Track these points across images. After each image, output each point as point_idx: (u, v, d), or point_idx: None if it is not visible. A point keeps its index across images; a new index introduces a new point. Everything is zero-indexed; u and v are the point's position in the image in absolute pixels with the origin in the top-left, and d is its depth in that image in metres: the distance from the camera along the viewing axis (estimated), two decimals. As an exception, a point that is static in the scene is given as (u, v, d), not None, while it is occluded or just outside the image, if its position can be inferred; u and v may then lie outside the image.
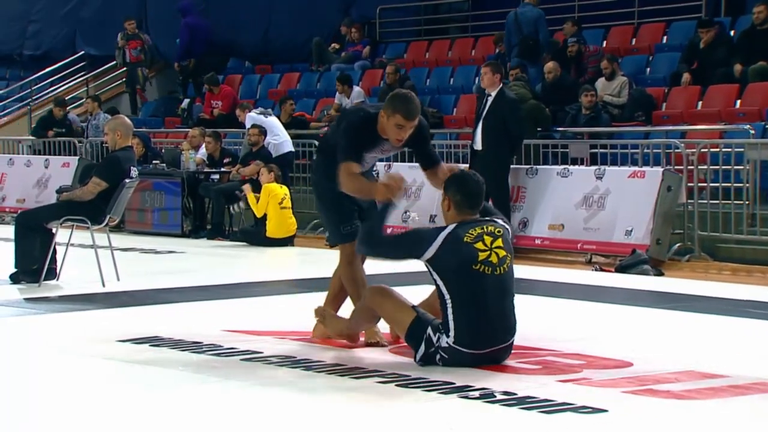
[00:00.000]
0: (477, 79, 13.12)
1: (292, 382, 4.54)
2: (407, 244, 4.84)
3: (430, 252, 4.64)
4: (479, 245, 4.63)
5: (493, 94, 9.53)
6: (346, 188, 5.01)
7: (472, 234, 4.66)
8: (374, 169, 5.52)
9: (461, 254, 4.62)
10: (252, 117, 11.69)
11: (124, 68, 17.13)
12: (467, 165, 9.46)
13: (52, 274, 7.55)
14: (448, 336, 4.62)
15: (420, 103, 5.16)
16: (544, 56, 12.56)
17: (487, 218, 4.79)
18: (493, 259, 4.63)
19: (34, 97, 17.47)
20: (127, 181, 7.53)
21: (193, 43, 16.33)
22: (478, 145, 9.55)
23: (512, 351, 4.79)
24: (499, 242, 4.67)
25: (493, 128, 9.45)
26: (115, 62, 17.30)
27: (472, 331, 4.61)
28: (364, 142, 5.10)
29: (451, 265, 4.63)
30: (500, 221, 4.82)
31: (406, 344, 4.87)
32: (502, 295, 4.67)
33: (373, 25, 16.22)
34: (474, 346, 4.61)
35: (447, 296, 4.64)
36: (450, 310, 4.63)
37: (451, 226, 4.70)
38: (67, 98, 16.77)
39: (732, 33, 12.03)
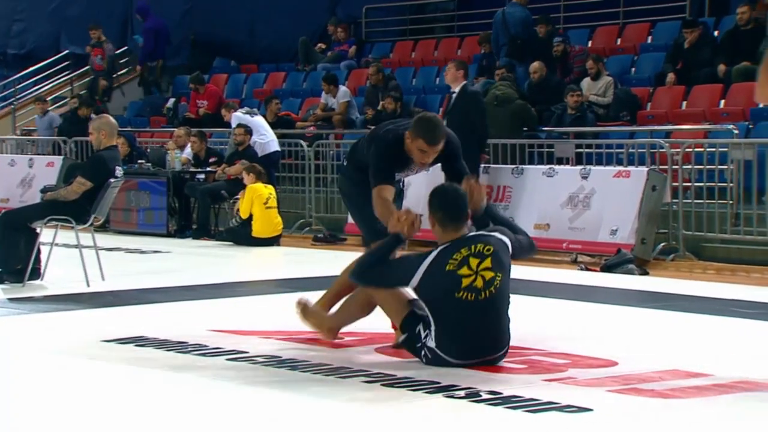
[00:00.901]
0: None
1: (278, 382, 4.53)
2: (395, 277, 4.71)
3: (415, 281, 4.59)
4: (463, 270, 4.53)
5: (457, 90, 9.57)
6: (378, 213, 4.96)
7: (457, 259, 4.55)
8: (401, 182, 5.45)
9: (443, 284, 4.54)
10: (238, 117, 11.67)
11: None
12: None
13: (37, 274, 7.52)
14: (433, 340, 4.62)
15: (442, 126, 5.03)
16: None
17: (478, 234, 4.68)
18: (478, 283, 4.53)
19: (17, 96, 17.38)
20: (112, 180, 7.51)
21: (158, 45, 16.30)
22: None
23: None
24: (487, 263, 4.55)
25: (458, 124, 9.47)
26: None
27: (456, 347, 4.60)
28: (395, 163, 5.06)
29: (434, 293, 4.57)
30: (495, 235, 4.67)
31: (393, 347, 4.85)
32: (490, 316, 4.59)
33: (359, 25, 16.22)
34: (457, 357, 4.61)
35: (430, 318, 4.61)
36: (433, 327, 4.61)
37: (435, 253, 4.59)
38: (50, 98, 16.73)
39: (716, 33, 12.09)
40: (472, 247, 4.58)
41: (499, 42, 13.01)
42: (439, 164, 5.16)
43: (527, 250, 4.91)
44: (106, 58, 16.58)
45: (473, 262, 4.55)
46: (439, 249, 4.61)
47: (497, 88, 10.62)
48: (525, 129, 10.69)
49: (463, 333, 4.58)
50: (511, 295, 4.75)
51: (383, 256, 4.74)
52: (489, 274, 4.56)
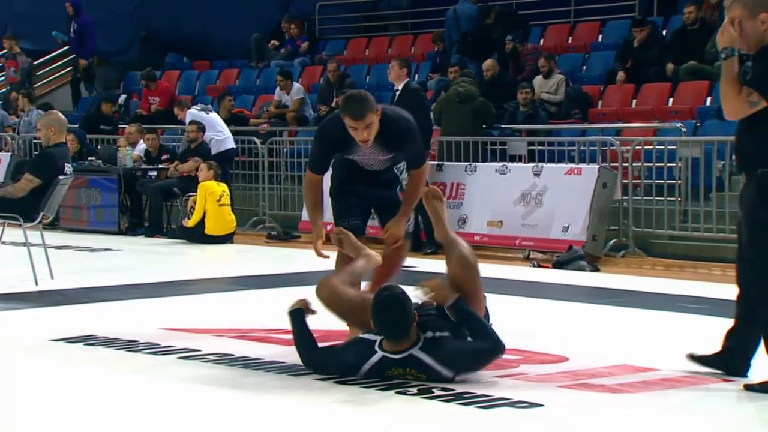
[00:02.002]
0: (416, 76, 13.18)
1: (230, 380, 4.50)
2: (343, 369, 4.44)
3: (362, 374, 4.39)
4: (406, 378, 4.33)
5: (400, 87, 9.62)
6: (304, 197, 5.08)
7: (396, 372, 4.34)
8: (402, 176, 5.27)
9: (375, 371, 4.36)
10: (192, 114, 11.60)
11: (59, 63, 16.84)
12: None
13: (-16, 272, 7.41)
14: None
15: (368, 101, 4.88)
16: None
17: (419, 360, 4.28)
18: (422, 379, 4.30)
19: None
20: (61, 177, 7.41)
21: (86, 43, 16.13)
22: None
23: None
24: (422, 377, 4.30)
25: None
26: (49, 57, 16.99)
27: None
28: (333, 147, 5.03)
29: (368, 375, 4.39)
30: (434, 368, 4.28)
31: None
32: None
33: (312, 22, 16.18)
34: None
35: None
36: None
37: (378, 357, 4.32)
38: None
39: (664, 32, 12.25)
40: (409, 370, 4.31)
41: (451, 39, 13.06)
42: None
43: (484, 360, 4.47)
44: (19, 70, 16.24)
45: (410, 378, 4.34)
46: (381, 356, 4.33)
47: (459, 85, 10.64)
48: (484, 126, 10.75)
49: None
50: None
51: (305, 341, 4.56)
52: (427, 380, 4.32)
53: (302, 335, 4.60)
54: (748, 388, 4.30)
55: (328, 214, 5.32)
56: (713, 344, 5.47)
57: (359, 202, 5.23)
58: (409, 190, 5.17)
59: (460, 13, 13.00)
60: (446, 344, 4.34)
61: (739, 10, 4.25)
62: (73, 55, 16.95)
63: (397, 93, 9.69)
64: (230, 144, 11.56)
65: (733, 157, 5.22)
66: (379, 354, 4.35)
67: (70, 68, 17.44)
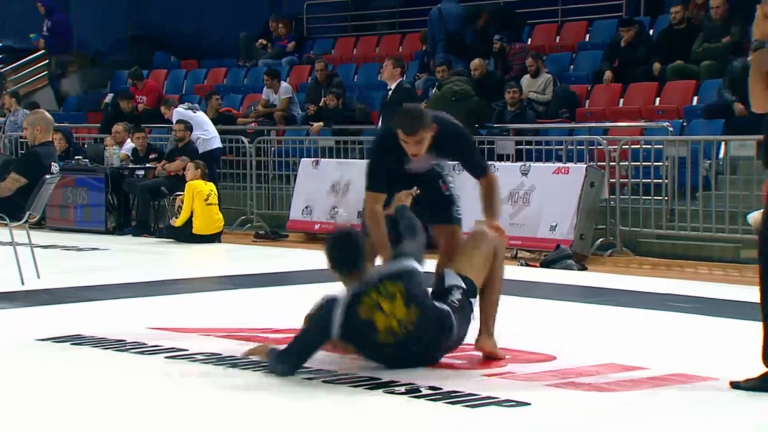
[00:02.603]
0: (404, 75, 13.16)
1: (218, 380, 4.49)
2: (311, 336, 4.46)
3: (335, 331, 4.39)
4: (378, 316, 4.38)
5: (393, 86, 9.61)
6: (371, 229, 4.85)
7: (368, 303, 4.38)
8: (443, 171, 5.14)
9: (362, 331, 4.41)
10: (179, 112, 11.57)
11: (46, 61, 16.73)
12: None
13: (-30, 272, 7.37)
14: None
15: (422, 117, 4.82)
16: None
17: (385, 274, 4.46)
18: (393, 325, 4.38)
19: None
20: (47, 177, 7.38)
21: (62, 41, 16.03)
22: None
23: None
24: (397, 302, 4.38)
25: (391, 120, 9.50)
26: (35, 55, 16.90)
27: (388, 363, 4.54)
28: (387, 161, 4.93)
29: (356, 340, 4.47)
30: (402, 267, 4.46)
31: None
32: (419, 346, 4.47)
33: (300, 21, 16.16)
34: (388, 366, 4.56)
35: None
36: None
37: (343, 302, 4.37)
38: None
39: (651, 32, 12.28)
40: (381, 289, 4.40)
41: (435, 38, 13.06)
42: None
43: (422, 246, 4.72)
44: None
45: (385, 305, 4.39)
46: (350, 295, 4.41)
47: (455, 84, 10.64)
48: (476, 125, 10.76)
49: (390, 362, 4.52)
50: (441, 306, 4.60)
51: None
52: (401, 313, 4.39)
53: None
54: (734, 385, 4.30)
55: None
56: (701, 343, 5.50)
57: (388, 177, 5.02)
58: (487, 200, 5.01)
59: (445, 12, 13.00)
60: (402, 251, 4.64)
61: None
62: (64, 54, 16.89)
63: (390, 92, 9.68)
64: (217, 143, 11.55)
65: (761, 152, 5.17)
66: (345, 300, 4.41)
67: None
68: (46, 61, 17.10)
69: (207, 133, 11.47)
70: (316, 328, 4.47)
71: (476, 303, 4.70)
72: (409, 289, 4.46)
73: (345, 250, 4.52)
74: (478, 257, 4.74)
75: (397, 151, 4.89)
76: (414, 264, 4.56)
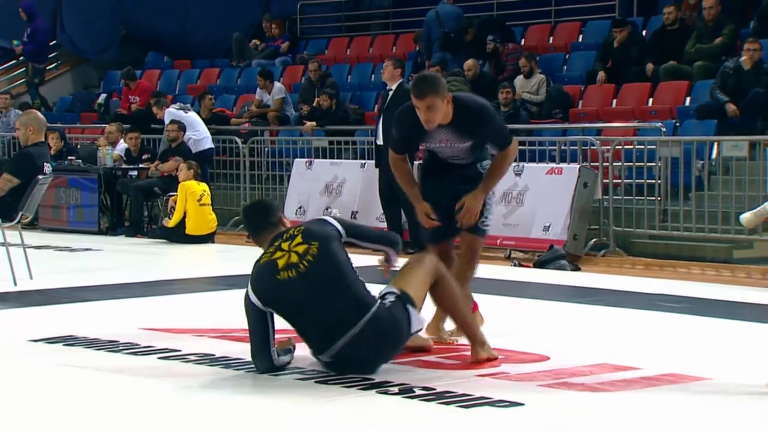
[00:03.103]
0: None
1: (211, 380, 4.49)
2: (252, 320, 4.45)
3: (250, 290, 4.42)
4: (277, 255, 4.40)
5: (393, 87, 9.60)
6: (396, 176, 5.14)
7: (270, 251, 4.44)
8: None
9: (265, 274, 4.41)
10: (171, 113, 11.56)
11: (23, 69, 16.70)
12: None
13: (-38, 272, 7.35)
14: (314, 353, 4.53)
15: (433, 81, 4.87)
16: None
17: (289, 228, 4.53)
18: (293, 258, 4.36)
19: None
20: (40, 177, 7.37)
21: (42, 47, 16.00)
22: (380, 140, 9.59)
23: (392, 346, 4.50)
24: (297, 240, 4.40)
25: (390, 122, 9.51)
26: (15, 61, 16.88)
27: (308, 335, 4.48)
28: (409, 131, 5.02)
29: (265, 291, 4.40)
30: (311, 220, 4.66)
31: None
32: (316, 288, 4.35)
33: (294, 21, 16.16)
34: (318, 350, 4.47)
35: (289, 325, 4.51)
36: (296, 333, 4.55)
37: (253, 266, 4.48)
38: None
39: (644, 33, 12.31)
40: (284, 235, 4.48)
41: (431, 38, 13.08)
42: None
43: (379, 240, 4.77)
44: None
45: (284, 245, 4.43)
46: (264, 259, 4.49)
47: (452, 84, 10.67)
48: None
49: (301, 319, 4.43)
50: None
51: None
52: (301, 248, 4.38)
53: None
54: None
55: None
56: (693, 343, 5.51)
57: (443, 204, 5.06)
58: (493, 167, 5.04)
59: (442, 12, 13.05)
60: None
61: None
62: (56, 53, 16.83)
63: (390, 93, 9.67)
64: (208, 144, 11.55)
65: None
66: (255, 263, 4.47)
67: (52, 66, 17.34)
68: (23, 68, 17.10)
69: (198, 134, 11.46)
70: (249, 313, 4.50)
71: (414, 312, 4.49)
72: (310, 229, 4.48)
73: (250, 219, 4.69)
74: (416, 273, 4.59)
75: (419, 125, 4.93)
76: (329, 219, 4.63)
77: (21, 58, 16.59)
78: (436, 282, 4.65)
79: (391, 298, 4.48)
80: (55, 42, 17.29)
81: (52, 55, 17.34)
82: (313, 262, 4.38)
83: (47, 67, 16.79)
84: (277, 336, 4.55)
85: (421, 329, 4.68)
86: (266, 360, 4.48)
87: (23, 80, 16.98)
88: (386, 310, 4.43)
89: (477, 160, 5.14)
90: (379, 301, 4.46)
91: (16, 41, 16.06)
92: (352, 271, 4.47)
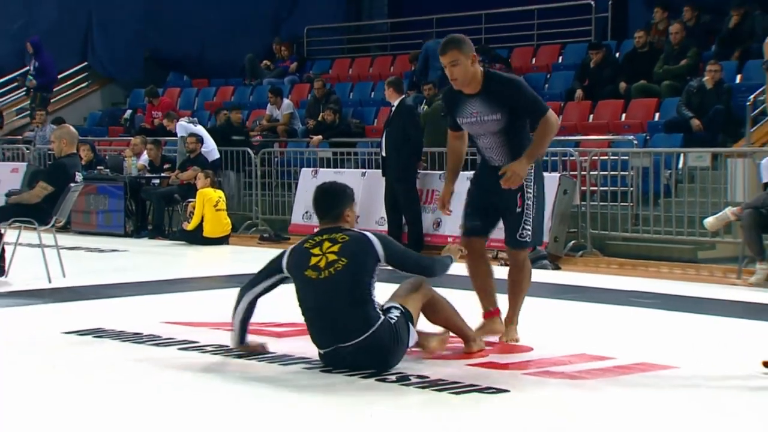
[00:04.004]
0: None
1: (225, 369, 4.49)
2: (266, 267, 4.52)
3: (284, 261, 4.42)
4: (315, 250, 4.33)
5: (395, 104, 9.63)
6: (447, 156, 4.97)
7: (315, 240, 4.38)
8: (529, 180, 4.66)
9: (298, 260, 4.38)
10: (183, 126, 11.67)
11: (72, 81, 16.69)
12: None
13: (1, 271, 7.37)
14: (316, 345, 4.48)
15: (454, 40, 4.58)
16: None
17: (345, 228, 4.41)
18: (321, 263, 4.29)
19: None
20: (72, 185, 7.38)
21: (49, 80, 15.98)
22: (384, 152, 9.67)
23: (383, 358, 4.34)
24: (335, 248, 4.30)
25: (394, 135, 9.63)
26: (62, 75, 16.89)
27: (314, 330, 4.44)
28: (448, 105, 4.84)
29: (293, 272, 4.41)
30: (361, 232, 4.39)
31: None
32: (328, 296, 4.28)
33: (301, 44, 16.18)
34: (320, 345, 4.43)
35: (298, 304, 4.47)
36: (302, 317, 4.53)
37: (300, 242, 4.46)
38: (15, 108, 16.34)
39: (617, 55, 12.32)
40: (333, 234, 4.37)
41: (428, 63, 13.09)
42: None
43: (423, 269, 4.53)
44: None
45: (326, 245, 4.36)
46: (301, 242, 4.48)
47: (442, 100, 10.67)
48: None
49: (310, 314, 4.40)
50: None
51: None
52: (332, 257, 4.28)
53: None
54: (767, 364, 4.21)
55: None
56: (662, 335, 5.52)
57: (483, 204, 4.85)
58: (535, 136, 4.63)
59: (430, 49, 13.20)
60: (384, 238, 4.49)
61: None
62: (86, 73, 16.82)
63: (393, 109, 9.74)
64: (216, 155, 11.61)
65: None
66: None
67: (84, 85, 17.40)
68: (75, 79, 17.13)
69: (207, 146, 11.52)
70: (271, 261, 4.51)
71: (413, 329, 4.43)
72: (350, 245, 4.32)
73: (317, 203, 4.51)
74: (413, 293, 4.51)
75: (454, 98, 4.76)
76: (377, 240, 4.37)
77: (82, 65, 16.53)
78: (428, 303, 4.54)
79: (396, 313, 4.38)
80: (86, 63, 17.33)
81: (83, 75, 17.40)
82: (334, 276, 4.29)
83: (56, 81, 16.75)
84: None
85: (416, 342, 4.53)
86: (244, 287, 4.55)
87: (62, 95, 17.02)
88: (392, 326, 4.32)
89: (510, 154, 4.70)
90: (383, 316, 4.35)
91: (30, 76, 16.04)
92: (368, 292, 4.32)
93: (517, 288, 4.97)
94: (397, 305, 4.45)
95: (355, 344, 4.29)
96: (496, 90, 4.66)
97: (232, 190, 11.55)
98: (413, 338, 4.49)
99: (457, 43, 4.64)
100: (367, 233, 4.44)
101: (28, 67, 16.20)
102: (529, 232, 4.78)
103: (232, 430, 3.58)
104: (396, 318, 4.38)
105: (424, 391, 4.07)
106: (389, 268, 4.46)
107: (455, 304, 4.79)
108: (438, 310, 4.65)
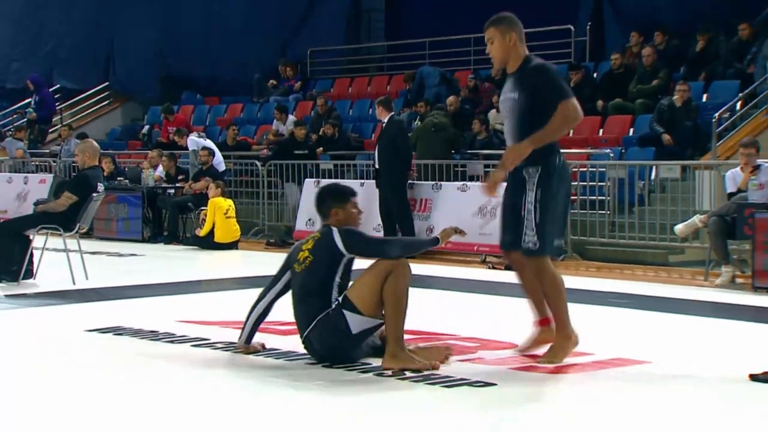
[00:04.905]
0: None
1: (233, 365, 4.48)
2: (281, 265, 4.51)
3: (293, 255, 4.45)
4: (304, 246, 4.40)
5: (385, 120, 9.65)
6: None
7: (309, 238, 4.44)
8: (532, 180, 4.17)
9: (293, 256, 4.44)
10: (194, 140, 11.75)
11: (94, 99, 16.69)
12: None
13: (30, 274, 7.35)
14: None
15: (504, 20, 4.14)
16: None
17: (327, 226, 4.41)
18: (301, 257, 4.36)
19: (15, 124, 16.94)
20: (94, 195, 7.37)
21: (48, 113, 15.96)
22: (377, 164, 9.71)
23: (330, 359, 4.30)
24: (310, 245, 4.35)
25: (385, 149, 9.69)
26: (85, 94, 16.91)
27: (296, 319, 4.45)
28: (502, 85, 4.49)
29: (291, 267, 4.45)
30: (332, 230, 4.30)
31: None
32: (300, 289, 4.36)
33: (304, 65, 16.21)
34: (300, 334, 4.44)
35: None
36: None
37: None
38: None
39: (595, 75, 12.35)
40: (318, 231, 4.44)
41: (423, 83, 13.16)
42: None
43: (380, 253, 4.29)
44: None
45: (310, 242, 4.39)
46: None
47: (434, 117, 10.73)
48: (453, 152, 10.80)
49: (294, 301, 4.44)
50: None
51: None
52: (306, 253, 4.35)
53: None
54: (754, 378, 4.02)
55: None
56: (636, 332, 5.52)
57: (505, 214, 4.39)
58: (550, 120, 4.09)
59: (425, 73, 13.28)
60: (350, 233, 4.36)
61: None
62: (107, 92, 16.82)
63: (384, 124, 9.78)
64: (223, 167, 11.63)
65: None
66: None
67: (105, 103, 17.43)
68: (96, 98, 17.14)
69: (215, 159, 11.53)
70: (285, 259, 4.53)
71: (351, 315, 4.22)
72: (320, 242, 4.32)
73: (315, 201, 4.52)
74: (364, 278, 4.27)
75: (502, 86, 4.43)
76: (338, 238, 4.29)
77: (32, 121, 16.44)
78: (387, 278, 4.19)
79: (335, 305, 4.31)
80: (108, 83, 17.35)
81: (105, 94, 17.43)
82: (304, 270, 4.36)
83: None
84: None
85: (370, 327, 4.26)
86: (259, 297, 4.55)
87: (86, 113, 17.03)
88: (326, 317, 4.26)
89: (522, 132, 4.19)
90: (329, 308, 4.29)
91: (31, 109, 16.03)
92: (323, 285, 4.27)
93: (542, 294, 4.39)
94: (343, 295, 4.31)
95: (307, 334, 4.36)
96: (526, 70, 4.23)
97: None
98: (355, 325, 4.23)
99: (496, 21, 4.24)
100: (334, 228, 4.35)
101: (29, 100, 16.24)
102: (533, 239, 4.21)
103: (237, 419, 3.57)
104: (331, 310, 4.30)
105: (417, 384, 4.07)
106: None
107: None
108: (387, 289, 4.18)
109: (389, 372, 4.23)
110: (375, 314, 4.28)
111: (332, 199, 4.46)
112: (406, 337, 4.36)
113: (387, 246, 4.36)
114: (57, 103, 17.27)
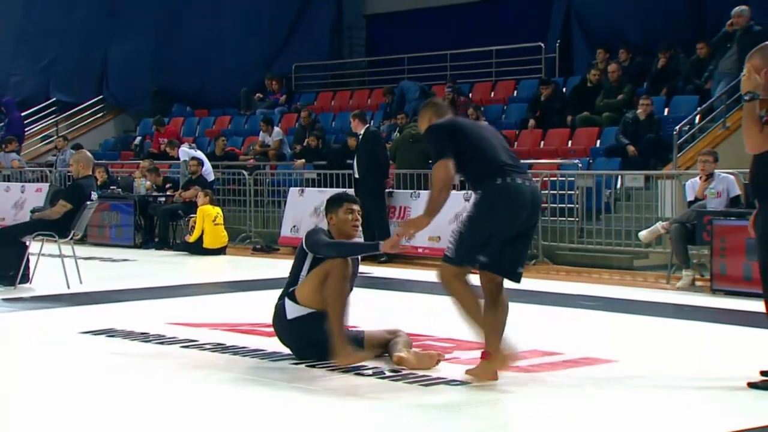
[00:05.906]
0: (372, 121, 13.26)
1: (222, 365, 4.47)
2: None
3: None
4: None
5: (361, 132, 9.69)
6: None
7: None
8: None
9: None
10: (185, 151, 11.69)
11: (89, 111, 16.57)
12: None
13: (26, 278, 7.27)
14: None
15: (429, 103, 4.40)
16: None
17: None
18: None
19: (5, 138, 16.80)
20: (88, 203, 7.32)
21: (20, 135, 15.85)
22: (356, 174, 9.73)
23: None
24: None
25: (363, 159, 9.72)
26: (80, 107, 16.80)
27: None
28: None
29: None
30: (304, 239, 4.46)
31: None
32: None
33: (289, 79, 16.21)
34: None
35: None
36: None
37: None
38: (39, 136, 16.23)
39: (565, 89, 12.43)
40: None
41: (404, 97, 13.19)
42: None
43: (324, 254, 4.35)
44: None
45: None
46: None
47: (412, 128, 10.76)
48: (430, 162, 10.78)
49: None
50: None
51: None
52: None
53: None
54: (751, 385, 3.91)
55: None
56: (603, 333, 5.55)
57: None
58: (430, 193, 4.21)
59: (405, 87, 13.33)
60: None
61: (758, 60, 3.83)
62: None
63: (360, 137, 9.80)
64: (212, 176, 11.60)
65: (749, 186, 4.60)
66: None
67: (99, 115, 17.35)
68: (92, 110, 17.04)
69: (205, 169, 11.50)
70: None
71: (290, 303, 4.36)
72: (301, 243, 4.49)
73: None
74: (311, 275, 4.37)
75: None
76: (304, 239, 4.44)
77: (98, 97, 16.35)
78: (326, 277, 4.28)
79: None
80: (101, 96, 17.25)
81: (99, 106, 17.35)
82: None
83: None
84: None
85: (301, 315, 4.35)
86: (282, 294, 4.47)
87: (80, 125, 16.92)
88: (276, 306, 4.48)
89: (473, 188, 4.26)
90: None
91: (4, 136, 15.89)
92: (297, 277, 4.43)
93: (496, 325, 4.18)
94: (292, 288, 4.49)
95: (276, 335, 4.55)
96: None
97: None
98: (290, 312, 4.38)
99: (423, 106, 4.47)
100: (309, 230, 4.58)
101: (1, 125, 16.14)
102: (451, 247, 4.13)
103: (225, 415, 3.55)
104: (280, 300, 4.51)
105: (396, 383, 4.07)
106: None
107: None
108: (325, 290, 4.28)
109: (369, 371, 4.23)
110: (309, 305, 4.36)
111: (328, 205, 4.66)
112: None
113: (326, 248, 4.42)
114: (54, 116, 17.15)
